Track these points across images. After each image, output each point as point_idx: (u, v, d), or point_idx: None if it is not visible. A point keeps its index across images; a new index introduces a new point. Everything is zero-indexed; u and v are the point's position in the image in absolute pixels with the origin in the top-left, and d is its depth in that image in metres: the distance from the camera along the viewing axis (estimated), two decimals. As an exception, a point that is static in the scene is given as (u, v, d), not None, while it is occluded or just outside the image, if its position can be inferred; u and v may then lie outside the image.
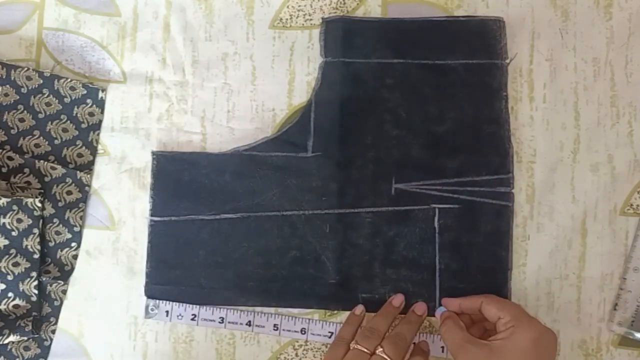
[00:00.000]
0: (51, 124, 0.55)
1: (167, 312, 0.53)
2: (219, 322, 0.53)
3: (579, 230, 0.53)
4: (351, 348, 0.48)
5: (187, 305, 0.53)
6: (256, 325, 0.52)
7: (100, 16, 0.56)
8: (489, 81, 0.53)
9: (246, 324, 0.53)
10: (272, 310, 0.53)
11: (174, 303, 0.53)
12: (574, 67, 0.54)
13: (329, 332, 0.52)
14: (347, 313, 0.52)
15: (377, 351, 0.47)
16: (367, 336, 0.48)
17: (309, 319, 0.52)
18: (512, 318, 0.46)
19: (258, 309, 0.53)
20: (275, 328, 0.52)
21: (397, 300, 0.52)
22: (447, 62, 0.54)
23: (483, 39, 0.54)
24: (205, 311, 0.53)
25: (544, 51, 0.54)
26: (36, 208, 0.52)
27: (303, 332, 0.52)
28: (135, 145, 0.55)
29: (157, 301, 0.53)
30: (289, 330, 0.52)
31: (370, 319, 0.50)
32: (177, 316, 0.53)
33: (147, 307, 0.53)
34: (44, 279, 0.53)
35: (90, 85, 0.55)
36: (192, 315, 0.52)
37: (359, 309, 0.52)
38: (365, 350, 0.47)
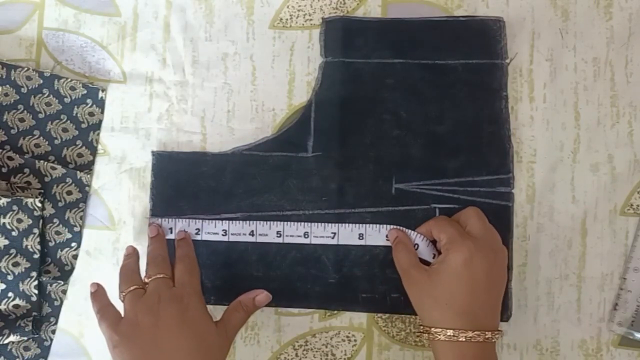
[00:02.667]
0: (51, 124, 0.55)
1: (170, 229, 0.53)
2: (222, 235, 0.52)
3: (579, 230, 0.53)
4: (121, 299, 0.47)
5: (191, 220, 0.52)
6: (259, 234, 0.52)
7: (100, 16, 0.56)
8: (489, 81, 0.53)
9: (249, 234, 0.52)
10: (275, 222, 0.52)
11: (177, 219, 0.52)
12: (574, 67, 0.54)
13: (332, 232, 0.52)
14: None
15: (145, 280, 0.47)
16: (125, 276, 0.48)
17: (311, 224, 0.52)
18: (447, 240, 0.47)
19: (261, 219, 0.53)
20: (279, 235, 0.52)
21: (152, 229, 0.52)
22: (447, 62, 0.54)
23: (483, 39, 0.54)
24: (208, 225, 0.52)
25: (544, 51, 0.54)
26: (36, 208, 0.52)
27: (306, 236, 0.52)
28: (135, 145, 0.55)
29: (160, 219, 0.53)
30: (292, 236, 0.52)
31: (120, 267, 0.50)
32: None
33: (150, 227, 0.53)
34: (44, 279, 0.53)
35: (90, 85, 0.55)
36: (196, 229, 0.52)
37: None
38: (134, 287, 0.47)
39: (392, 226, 0.51)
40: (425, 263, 0.49)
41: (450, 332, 0.44)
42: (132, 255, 0.50)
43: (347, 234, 0.52)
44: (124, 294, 0.47)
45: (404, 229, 0.51)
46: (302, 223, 0.52)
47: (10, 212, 0.52)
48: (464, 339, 0.44)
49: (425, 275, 0.47)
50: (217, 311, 0.53)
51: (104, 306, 0.48)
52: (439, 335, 0.45)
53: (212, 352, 0.45)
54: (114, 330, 0.45)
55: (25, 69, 0.55)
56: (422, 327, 0.47)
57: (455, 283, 0.45)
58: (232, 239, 0.53)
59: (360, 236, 0.52)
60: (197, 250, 0.53)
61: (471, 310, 0.45)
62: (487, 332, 0.44)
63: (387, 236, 0.51)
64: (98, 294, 0.49)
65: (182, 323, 0.45)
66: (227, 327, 0.47)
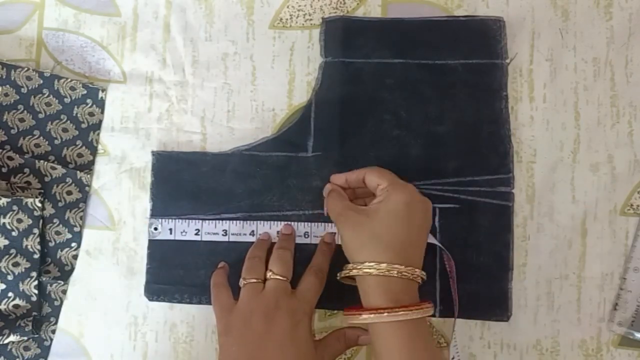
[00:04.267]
0: (51, 124, 0.55)
1: (170, 229, 0.53)
2: (222, 235, 0.53)
3: (579, 230, 0.53)
4: (241, 285, 0.49)
5: (190, 220, 0.53)
6: (260, 234, 0.53)
7: (100, 16, 0.56)
8: (489, 81, 0.53)
9: (249, 234, 0.53)
10: (275, 222, 0.53)
11: (177, 220, 0.53)
12: (574, 67, 0.54)
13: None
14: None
15: (267, 275, 0.48)
16: (250, 266, 0.49)
17: (311, 224, 0.53)
18: (388, 184, 0.48)
19: (261, 219, 0.53)
20: (279, 235, 0.52)
21: (264, 234, 0.52)
22: (447, 62, 0.54)
23: (483, 39, 0.54)
24: (208, 225, 0.53)
25: (544, 51, 0.54)
26: (36, 208, 0.52)
27: (306, 236, 0.52)
28: (135, 145, 0.55)
29: (160, 220, 0.53)
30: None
31: (248, 252, 0.51)
32: (181, 232, 0.53)
33: (149, 227, 0.53)
34: (44, 279, 0.53)
35: (90, 85, 0.55)
36: (196, 230, 0.53)
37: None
38: (255, 279, 0.48)
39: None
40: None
41: (384, 265, 0.45)
42: (264, 244, 0.51)
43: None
44: (244, 282, 0.49)
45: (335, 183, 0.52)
46: (302, 223, 0.52)
47: (10, 212, 0.52)
48: (396, 273, 0.45)
49: (365, 213, 0.47)
50: (217, 311, 0.53)
51: (218, 283, 0.51)
52: (372, 269, 0.45)
53: None
54: (226, 317, 0.48)
55: (25, 69, 0.55)
56: (351, 266, 0.47)
57: (394, 221, 0.46)
58: (232, 239, 0.53)
59: (306, 234, 0.52)
60: (197, 250, 0.53)
61: (405, 247, 0.46)
62: (416, 270, 0.45)
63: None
64: (222, 270, 0.52)
65: (292, 339, 0.46)
66: (324, 353, 0.49)
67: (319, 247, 0.52)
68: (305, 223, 0.52)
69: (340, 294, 0.52)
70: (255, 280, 0.48)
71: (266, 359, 0.46)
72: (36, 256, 0.52)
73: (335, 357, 0.49)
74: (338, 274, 0.48)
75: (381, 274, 0.45)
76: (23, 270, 0.52)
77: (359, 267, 0.46)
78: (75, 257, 0.54)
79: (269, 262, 0.49)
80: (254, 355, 0.46)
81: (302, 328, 0.47)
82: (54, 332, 0.54)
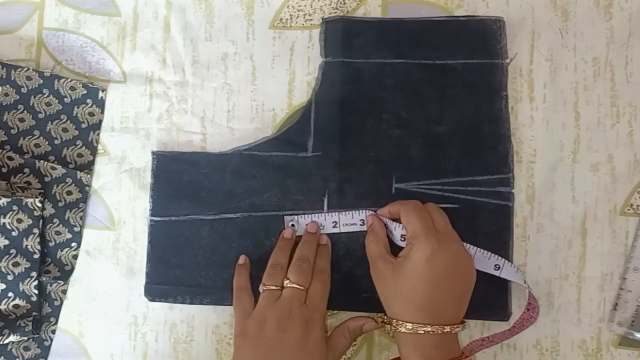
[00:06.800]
0: (51, 124, 0.55)
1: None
2: None
3: (579, 230, 0.53)
4: (261, 291, 0.49)
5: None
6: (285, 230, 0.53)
7: (100, 16, 0.56)
8: (489, 81, 0.53)
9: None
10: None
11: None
12: (574, 67, 0.54)
13: (361, 219, 0.52)
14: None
15: (285, 284, 0.49)
16: (271, 273, 0.50)
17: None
18: (412, 234, 0.47)
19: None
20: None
21: (288, 232, 0.52)
22: (447, 62, 0.54)
23: (483, 39, 0.54)
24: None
25: (544, 51, 0.54)
26: (36, 208, 0.52)
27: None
28: (135, 145, 0.55)
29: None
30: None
31: (271, 257, 0.51)
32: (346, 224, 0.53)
33: (287, 223, 0.52)
34: (44, 279, 0.53)
35: (90, 85, 0.55)
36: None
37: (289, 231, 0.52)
38: (274, 287, 0.49)
39: (369, 211, 0.52)
40: (400, 248, 0.49)
41: (409, 326, 0.45)
42: (287, 246, 0.51)
43: (328, 225, 0.52)
44: (264, 288, 0.49)
45: (380, 215, 0.51)
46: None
47: (10, 212, 0.52)
48: (422, 332, 0.45)
49: (390, 267, 0.47)
50: (216, 311, 0.53)
51: (241, 287, 0.51)
52: (400, 327, 0.46)
53: None
54: (243, 321, 0.49)
55: (25, 69, 0.55)
56: (385, 317, 0.48)
57: (416, 279, 0.46)
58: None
59: (335, 224, 0.52)
60: (197, 251, 0.53)
61: (431, 305, 0.45)
62: (446, 327, 0.45)
63: (362, 220, 0.52)
64: (243, 268, 0.52)
65: (303, 348, 0.47)
66: (335, 353, 0.49)
67: (318, 250, 0.52)
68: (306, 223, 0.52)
69: (341, 294, 0.52)
70: (273, 287, 0.49)
71: None
72: (36, 256, 0.52)
73: (344, 353, 0.50)
74: (380, 323, 0.49)
75: (408, 332, 0.45)
76: (23, 270, 0.52)
77: (389, 321, 0.47)
78: (75, 257, 0.54)
79: (289, 270, 0.50)
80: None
81: (314, 336, 0.47)
82: (54, 332, 0.54)
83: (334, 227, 0.52)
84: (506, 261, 0.50)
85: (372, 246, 0.50)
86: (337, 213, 0.52)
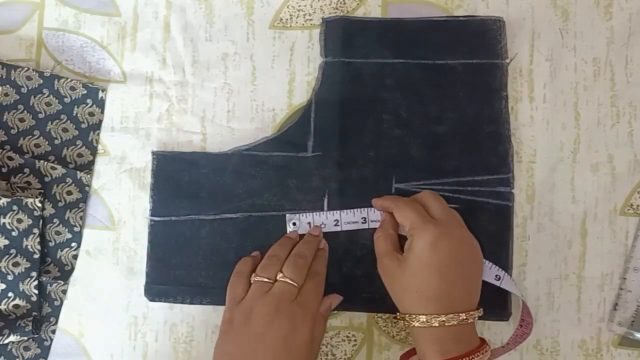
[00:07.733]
0: (51, 124, 0.55)
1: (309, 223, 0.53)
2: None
3: (579, 230, 0.53)
4: (252, 281, 0.49)
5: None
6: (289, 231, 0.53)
7: (100, 16, 0.56)
8: (489, 81, 0.53)
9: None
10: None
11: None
12: (574, 67, 0.54)
13: (362, 217, 0.52)
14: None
15: (277, 277, 0.48)
16: (266, 265, 0.49)
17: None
18: (410, 226, 0.47)
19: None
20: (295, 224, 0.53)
21: (293, 233, 0.52)
22: (447, 62, 0.54)
23: (483, 39, 0.54)
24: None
25: (544, 51, 0.54)
26: (36, 208, 0.52)
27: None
28: (135, 145, 0.55)
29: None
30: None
31: (270, 249, 0.51)
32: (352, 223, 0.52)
33: (288, 222, 0.52)
34: (44, 279, 0.53)
35: (90, 85, 0.55)
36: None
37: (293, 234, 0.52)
38: (266, 279, 0.48)
39: (370, 208, 0.52)
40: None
41: (423, 318, 0.44)
42: (288, 243, 0.51)
43: (330, 224, 0.52)
44: (256, 278, 0.49)
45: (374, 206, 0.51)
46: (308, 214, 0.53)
47: (10, 212, 0.52)
48: (437, 324, 0.44)
49: (396, 263, 0.47)
50: (216, 311, 0.53)
51: (239, 272, 0.50)
52: (414, 321, 0.45)
53: None
54: (232, 309, 0.48)
55: (25, 69, 0.55)
56: (398, 314, 0.47)
57: (422, 269, 0.45)
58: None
59: (336, 222, 0.52)
60: (197, 251, 0.53)
61: (442, 294, 0.45)
62: (461, 314, 0.44)
63: (363, 218, 0.52)
64: (251, 258, 0.51)
65: (286, 345, 0.46)
66: (315, 343, 0.48)
67: (316, 253, 0.51)
68: (306, 223, 0.52)
69: (341, 294, 0.52)
70: (265, 280, 0.48)
71: None
72: (36, 256, 0.52)
73: (323, 336, 0.50)
74: (393, 321, 0.49)
75: (423, 325, 0.44)
76: (23, 270, 0.52)
77: (402, 317, 0.46)
78: (75, 257, 0.54)
79: (284, 264, 0.49)
80: (247, 354, 0.46)
81: (299, 334, 0.47)
82: (54, 332, 0.54)
83: (336, 225, 0.52)
84: (506, 274, 0.50)
85: (379, 242, 0.49)
86: (338, 211, 0.52)
